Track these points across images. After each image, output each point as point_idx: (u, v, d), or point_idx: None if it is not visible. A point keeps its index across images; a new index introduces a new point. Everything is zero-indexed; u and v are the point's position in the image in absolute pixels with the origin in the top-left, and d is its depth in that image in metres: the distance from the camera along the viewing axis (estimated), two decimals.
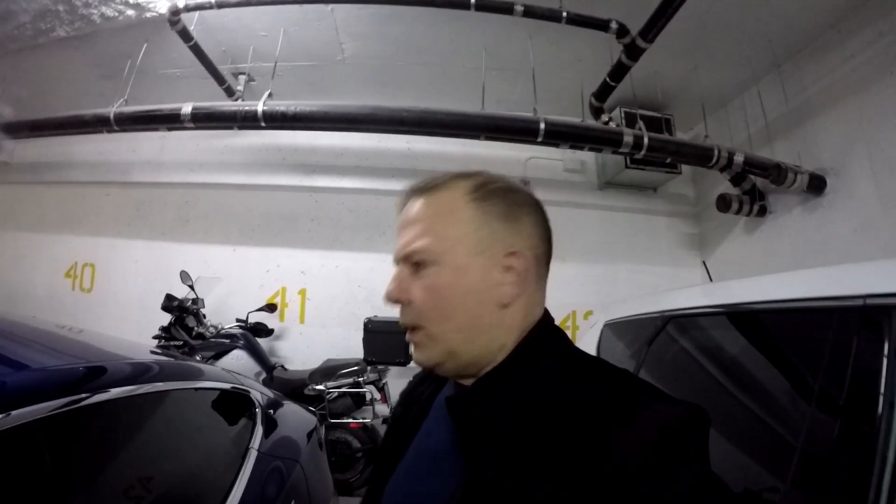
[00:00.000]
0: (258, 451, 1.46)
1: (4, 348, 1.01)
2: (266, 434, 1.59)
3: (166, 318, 3.67)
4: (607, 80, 3.25)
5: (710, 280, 2.52)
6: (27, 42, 3.46)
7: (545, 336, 0.61)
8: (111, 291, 4.45)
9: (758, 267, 3.62)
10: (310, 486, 1.64)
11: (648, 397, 0.52)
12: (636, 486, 0.44)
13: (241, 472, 1.33)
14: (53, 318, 4.21)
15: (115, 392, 0.95)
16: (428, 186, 0.62)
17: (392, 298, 0.61)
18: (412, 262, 0.60)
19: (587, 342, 2.31)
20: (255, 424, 1.57)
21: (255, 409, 1.64)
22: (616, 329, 2.08)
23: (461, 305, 0.57)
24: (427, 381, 0.72)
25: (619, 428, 0.47)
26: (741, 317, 1.31)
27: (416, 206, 0.62)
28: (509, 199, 0.61)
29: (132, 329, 4.06)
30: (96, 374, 0.96)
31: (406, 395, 0.75)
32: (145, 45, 3.31)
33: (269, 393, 1.94)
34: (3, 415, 0.69)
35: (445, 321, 0.58)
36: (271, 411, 1.77)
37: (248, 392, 1.64)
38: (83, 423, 0.88)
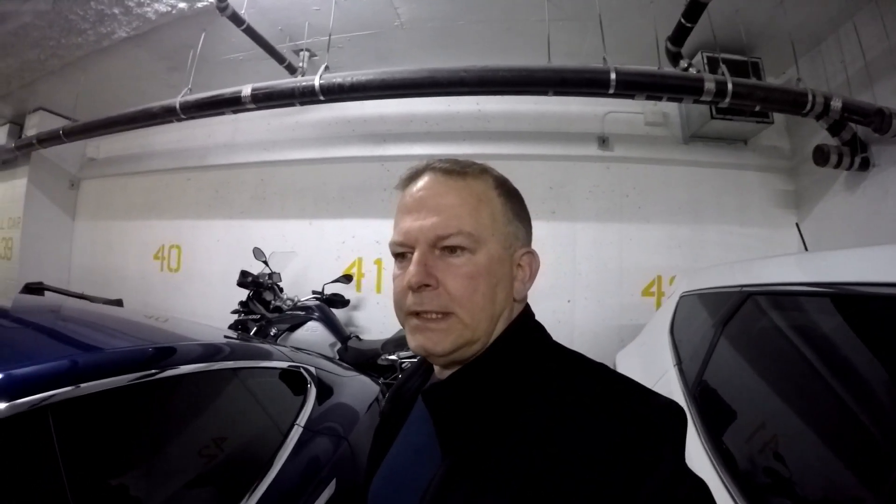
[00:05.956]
0: (303, 427, 1.50)
1: (85, 336, 1.28)
2: (319, 402, 1.64)
3: (247, 293, 3.83)
4: (682, 20, 2.92)
5: (805, 248, 2.18)
6: (92, 47, 3.68)
7: (525, 329, 0.61)
8: (196, 270, 4.78)
9: (860, 229, 3.18)
10: (358, 462, 1.60)
11: (624, 391, 0.52)
12: (603, 485, 0.44)
13: (283, 448, 1.38)
14: (145, 298, 4.65)
15: (184, 369, 1.18)
16: (460, 171, 0.60)
17: (421, 284, 0.56)
18: (443, 247, 0.57)
19: (661, 316, 2.10)
20: (304, 401, 1.60)
21: (309, 384, 1.67)
22: (694, 302, 1.84)
23: (492, 295, 0.57)
24: (414, 377, 0.72)
25: (591, 422, 0.48)
26: (850, 301, 1.03)
27: (449, 189, 0.59)
28: (522, 199, 0.65)
29: (217, 304, 4.34)
30: (166, 354, 1.18)
31: (394, 392, 0.75)
32: (203, 34, 3.40)
33: (329, 365, 1.95)
34: (73, 387, 0.88)
35: (480, 310, 0.56)
36: (327, 381, 1.79)
37: (299, 368, 1.68)
38: (158, 393, 1.12)
